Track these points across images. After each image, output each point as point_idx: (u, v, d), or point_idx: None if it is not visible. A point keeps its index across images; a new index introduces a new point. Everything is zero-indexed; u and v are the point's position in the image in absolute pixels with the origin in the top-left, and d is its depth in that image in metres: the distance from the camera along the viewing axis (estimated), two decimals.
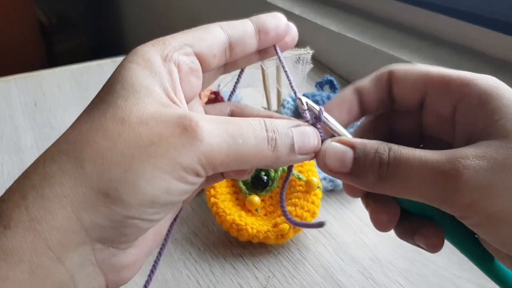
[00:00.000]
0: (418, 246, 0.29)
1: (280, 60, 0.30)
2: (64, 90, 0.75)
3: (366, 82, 0.30)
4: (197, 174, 0.23)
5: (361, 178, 0.26)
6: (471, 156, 0.24)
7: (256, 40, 0.29)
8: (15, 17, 1.95)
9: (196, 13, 1.41)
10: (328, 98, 0.58)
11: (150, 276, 0.29)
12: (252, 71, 0.51)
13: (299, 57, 0.50)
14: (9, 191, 0.22)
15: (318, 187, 0.44)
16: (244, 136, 0.24)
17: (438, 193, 0.24)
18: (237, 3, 1.12)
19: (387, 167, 0.25)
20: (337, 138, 0.28)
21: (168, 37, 0.26)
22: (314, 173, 0.46)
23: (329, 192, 0.50)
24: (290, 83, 0.30)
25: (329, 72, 0.77)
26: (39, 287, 0.20)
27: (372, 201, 0.29)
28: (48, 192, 0.21)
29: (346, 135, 0.29)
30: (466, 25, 0.65)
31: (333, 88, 0.61)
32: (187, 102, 0.27)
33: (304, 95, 0.58)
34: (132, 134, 0.22)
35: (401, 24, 0.75)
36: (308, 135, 0.27)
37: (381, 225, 0.28)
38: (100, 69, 0.81)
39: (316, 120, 0.28)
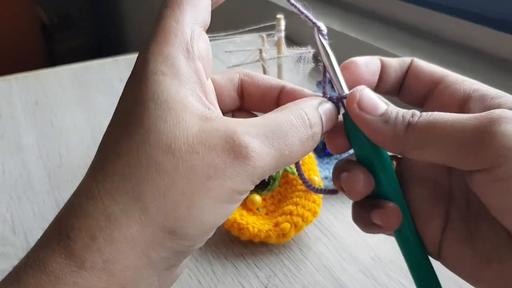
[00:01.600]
0: (373, 229, 0.29)
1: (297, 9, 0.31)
2: (65, 89, 0.75)
3: (390, 59, 0.30)
4: (248, 191, 0.24)
5: (388, 125, 0.25)
6: (503, 117, 0.23)
7: None
8: (16, 16, 1.95)
9: None
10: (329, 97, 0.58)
11: None
12: (254, 70, 0.51)
13: (300, 56, 0.50)
14: (72, 228, 0.22)
15: (319, 186, 0.44)
16: (290, 145, 0.24)
17: (471, 141, 0.23)
18: (238, 2, 1.12)
19: (414, 126, 0.25)
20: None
21: (172, 22, 0.24)
22: (315, 172, 0.46)
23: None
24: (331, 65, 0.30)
25: None
26: None
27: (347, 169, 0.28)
28: (117, 235, 0.21)
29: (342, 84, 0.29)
30: (468, 24, 0.65)
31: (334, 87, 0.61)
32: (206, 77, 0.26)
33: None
34: (187, 167, 0.22)
35: (402, 23, 0.75)
36: (331, 113, 0.27)
37: (356, 192, 0.28)
38: (102, 68, 0.81)
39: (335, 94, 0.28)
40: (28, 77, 0.78)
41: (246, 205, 0.46)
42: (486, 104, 0.26)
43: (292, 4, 0.29)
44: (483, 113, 0.24)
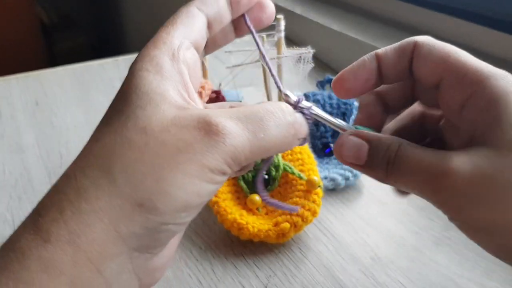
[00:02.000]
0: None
1: (251, 32, 0.30)
2: (65, 89, 0.75)
3: (389, 51, 0.29)
4: (224, 173, 0.24)
5: (373, 171, 0.28)
6: (462, 164, 0.24)
7: (229, 11, 0.29)
8: (16, 16, 1.95)
9: None
10: (329, 97, 0.58)
11: None
12: (253, 70, 0.51)
13: (300, 56, 0.50)
14: (44, 205, 0.22)
15: (319, 186, 0.44)
16: (265, 129, 0.24)
17: (431, 193, 0.25)
18: None
19: (392, 164, 0.26)
20: (355, 131, 0.28)
21: (163, 33, 0.26)
22: (315, 172, 0.46)
23: (330, 191, 0.50)
24: (269, 70, 0.30)
25: (330, 71, 0.76)
26: None
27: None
28: (85, 206, 0.21)
29: (340, 125, 0.29)
30: (467, 24, 0.65)
31: None
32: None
33: (305, 94, 0.58)
34: (157, 143, 0.22)
35: (402, 23, 0.75)
36: (302, 121, 0.28)
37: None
38: (102, 68, 0.81)
39: (299, 108, 0.28)
40: (28, 77, 0.78)
41: (246, 205, 0.46)
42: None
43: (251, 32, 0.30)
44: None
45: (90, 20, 2.47)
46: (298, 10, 0.86)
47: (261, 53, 0.30)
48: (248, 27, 0.30)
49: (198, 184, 0.23)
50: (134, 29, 2.09)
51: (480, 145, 0.25)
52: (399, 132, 0.31)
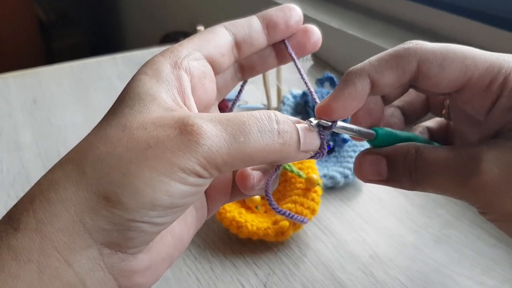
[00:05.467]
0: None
1: (292, 59, 0.29)
2: (63, 87, 0.75)
3: (386, 75, 0.27)
4: (199, 175, 0.22)
5: (398, 183, 0.28)
6: (491, 161, 0.25)
7: (265, 35, 0.29)
8: (13, 14, 1.95)
9: (196, 10, 1.40)
10: (328, 94, 0.58)
11: None
12: None
13: None
14: (20, 198, 0.23)
15: (318, 184, 0.44)
16: (246, 133, 0.23)
17: (461, 192, 0.26)
18: (237, 0, 1.12)
19: (415, 173, 0.27)
20: (369, 149, 0.29)
21: (176, 45, 0.27)
22: (314, 170, 0.46)
23: (329, 189, 0.50)
24: (306, 83, 0.29)
25: (329, 69, 0.76)
26: (48, 287, 0.21)
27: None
28: (53, 196, 0.22)
29: (365, 132, 0.28)
30: (467, 21, 0.65)
31: (333, 84, 0.61)
32: (205, 107, 0.28)
33: (304, 92, 0.58)
34: (130, 139, 0.22)
35: (401, 21, 0.75)
36: (311, 135, 0.26)
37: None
38: (99, 66, 0.81)
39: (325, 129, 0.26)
40: (26, 75, 0.78)
41: (245, 203, 0.46)
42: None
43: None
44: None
45: (88, 18, 2.46)
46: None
47: (305, 83, 0.29)
48: (290, 54, 0.29)
49: (167, 182, 0.22)
50: (132, 26, 2.09)
51: (507, 140, 0.26)
52: (403, 109, 0.32)
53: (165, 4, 1.60)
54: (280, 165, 0.28)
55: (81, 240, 0.21)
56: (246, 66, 0.30)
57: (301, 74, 0.29)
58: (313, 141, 0.26)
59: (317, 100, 0.28)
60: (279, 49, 0.30)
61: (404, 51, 0.27)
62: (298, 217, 0.29)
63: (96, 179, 0.22)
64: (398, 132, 0.29)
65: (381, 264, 0.42)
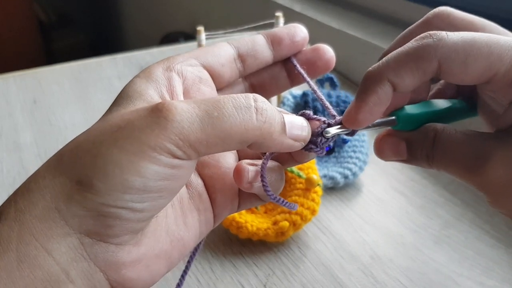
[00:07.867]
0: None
1: (300, 73, 0.29)
2: (63, 87, 0.75)
3: (406, 78, 0.26)
4: (172, 155, 0.22)
5: (417, 163, 0.29)
6: (498, 159, 0.25)
7: (270, 50, 0.29)
8: (13, 14, 1.95)
9: (196, 10, 1.40)
10: (329, 95, 0.58)
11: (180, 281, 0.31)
12: None
13: None
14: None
15: (318, 185, 0.44)
16: (220, 108, 0.22)
17: (473, 183, 0.27)
18: (237, 0, 1.12)
19: (433, 158, 0.28)
20: (388, 131, 0.29)
21: (175, 55, 0.28)
22: (314, 171, 0.46)
23: (329, 189, 0.50)
24: (322, 100, 0.28)
25: None
26: (28, 276, 0.21)
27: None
28: (33, 185, 0.22)
29: (386, 121, 0.29)
30: None
31: (333, 85, 0.61)
32: None
33: (304, 92, 0.58)
34: (106, 124, 0.23)
35: (401, 21, 0.75)
36: (299, 122, 0.25)
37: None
38: (99, 66, 0.81)
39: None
40: (26, 76, 0.78)
41: None
42: None
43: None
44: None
45: (88, 18, 2.46)
46: (297, 7, 0.85)
47: (320, 99, 0.29)
48: (296, 68, 0.29)
49: (137, 162, 0.21)
50: (132, 27, 2.09)
51: None
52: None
53: (165, 4, 1.60)
54: (273, 153, 0.27)
55: (58, 228, 0.21)
56: (256, 85, 0.31)
57: (313, 90, 0.29)
58: (301, 127, 0.25)
59: (333, 113, 0.28)
60: (291, 69, 0.30)
61: (423, 51, 0.25)
62: (288, 204, 0.29)
63: (70, 164, 0.22)
64: (419, 111, 0.29)
65: (381, 264, 0.42)
